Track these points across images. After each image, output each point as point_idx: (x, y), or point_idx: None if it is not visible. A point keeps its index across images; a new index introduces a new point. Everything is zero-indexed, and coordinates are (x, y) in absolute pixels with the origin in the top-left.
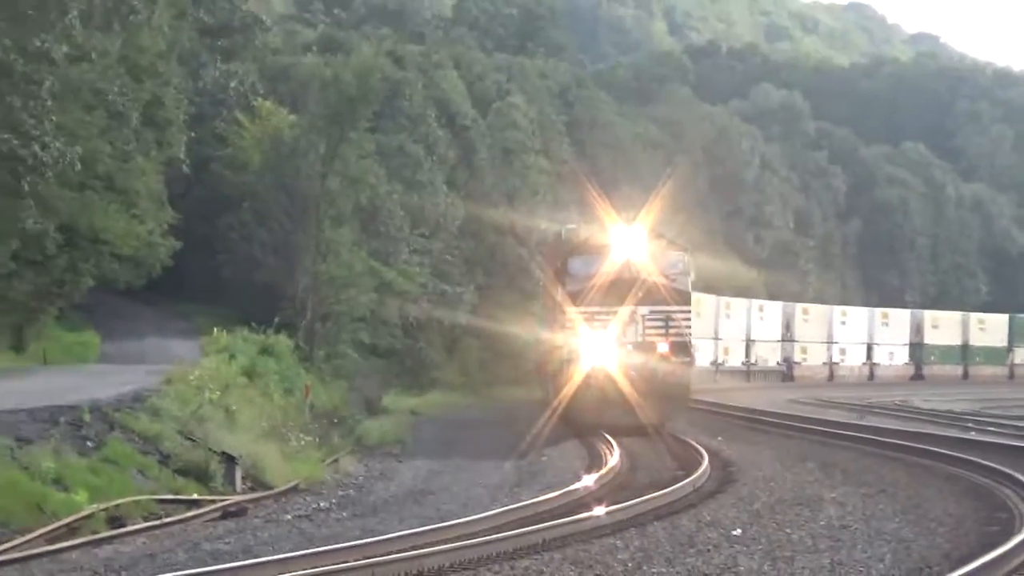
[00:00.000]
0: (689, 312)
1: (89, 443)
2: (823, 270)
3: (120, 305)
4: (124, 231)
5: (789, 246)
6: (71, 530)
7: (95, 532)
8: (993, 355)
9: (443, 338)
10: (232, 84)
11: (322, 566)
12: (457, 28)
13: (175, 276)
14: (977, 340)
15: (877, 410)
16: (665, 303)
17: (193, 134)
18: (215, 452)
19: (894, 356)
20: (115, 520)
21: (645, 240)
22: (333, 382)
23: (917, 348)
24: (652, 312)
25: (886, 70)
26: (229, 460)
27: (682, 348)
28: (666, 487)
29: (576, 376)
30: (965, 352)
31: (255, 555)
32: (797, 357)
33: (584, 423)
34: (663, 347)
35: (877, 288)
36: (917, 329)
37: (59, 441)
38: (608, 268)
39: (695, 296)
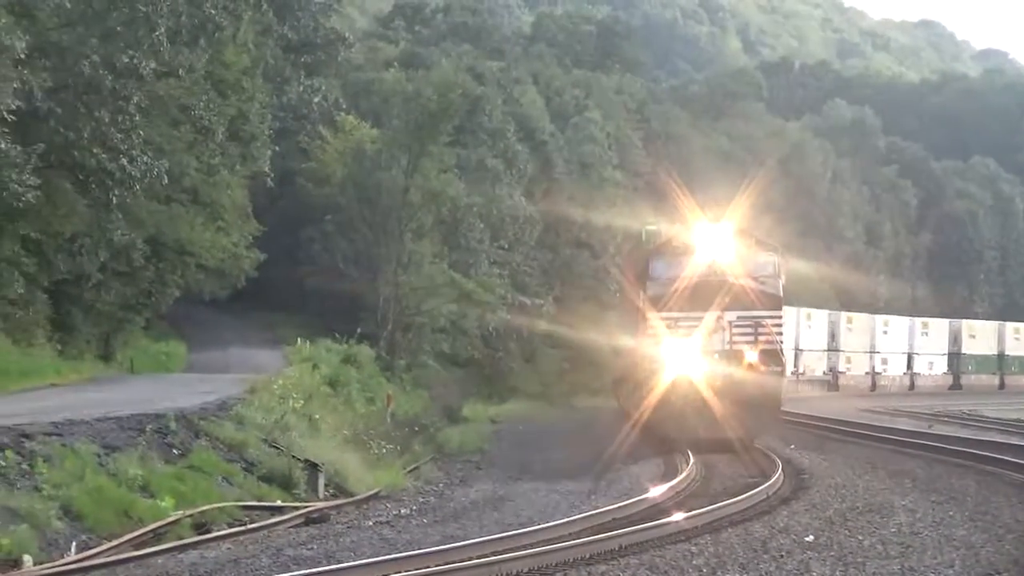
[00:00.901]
0: (780, 318)
1: (175, 451)
2: (893, 281)
3: (205, 315)
4: (210, 243)
5: (860, 258)
6: (157, 536)
7: (181, 538)
8: None
9: (521, 348)
10: (315, 99)
11: (403, 571)
12: (536, 45)
13: (259, 287)
14: (1012, 349)
15: (944, 419)
16: (754, 308)
17: (277, 148)
18: (298, 460)
19: (933, 366)
20: (200, 526)
21: (732, 240)
22: (414, 391)
23: (955, 358)
24: (740, 318)
25: (955, 86)
26: (312, 467)
27: (773, 357)
28: (740, 494)
29: (657, 387)
30: (1001, 361)
31: (337, 561)
32: (841, 367)
33: (666, 438)
34: (752, 356)
35: (947, 299)
36: (955, 339)
37: (146, 449)
38: (692, 270)
39: None
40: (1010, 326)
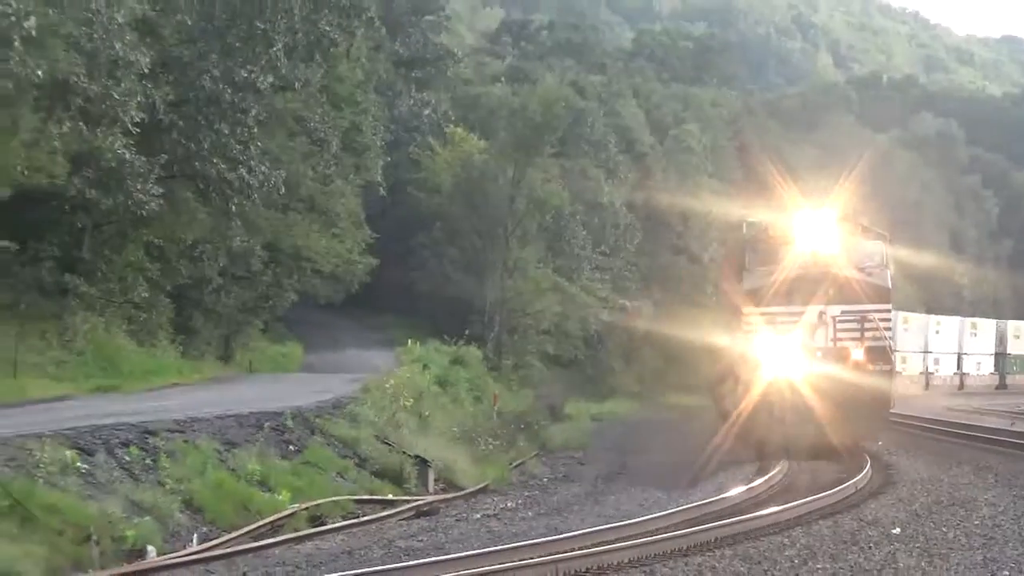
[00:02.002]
0: (889, 312)
1: (291, 447)
2: (976, 286)
3: (320, 318)
4: (325, 249)
5: (943, 264)
6: (274, 528)
7: (297, 530)
8: None
9: (622, 349)
10: (425, 112)
11: (509, 562)
12: (636, 60)
13: (372, 291)
14: (1015, 348)
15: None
16: (859, 302)
17: (389, 159)
18: (409, 455)
19: (981, 366)
20: (315, 519)
21: (835, 227)
22: (520, 390)
23: (1001, 358)
24: (844, 312)
25: None
26: (422, 463)
27: (880, 354)
28: (830, 488)
29: (754, 388)
30: (1002, 361)
31: (446, 552)
32: (898, 366)
33: (764, 442)
34: (858, 353)
35: None
36: (1001, 339)
37: (264, 445)
38: (792, 261)
39: None
40: (1011, 324)
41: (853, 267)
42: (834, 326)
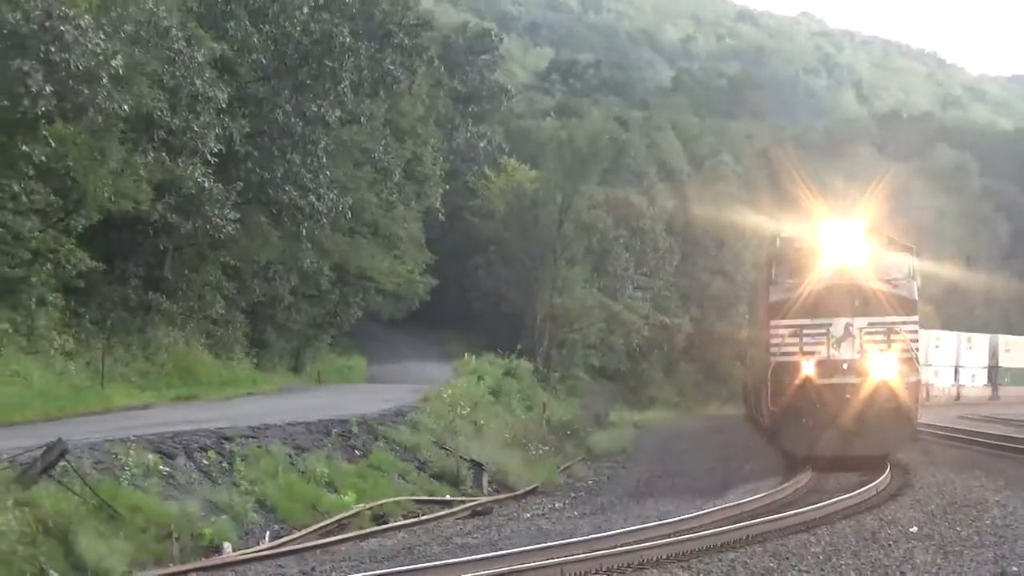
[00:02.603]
0: (916, 324)
1: (357, 451)
2: (989, 304)
3: (384, 333)
4: (388, 270)
5: (959, 283)
6: (341, 526)
7: (361, 528)
8: (1021, 376)
9: (662, 362)
10: (481, 144)
11: (556, 558)
12: (675, 96)
13: (431, 308)
14: (1005, 361)
15: None
16: (886, 313)
17: (447, 187)
18: (465, 460)
19: (975, 378)
20: (379, 518)
21: (862, 239)
22: (567, 399)
23: (994, 370)
24: (871, 324)
25: None
26: (477, 466)
27: (908, 367)
28: (853, 491)
29: (780, 401)
30: (995, 373)
31: (498, 548)
32: None
33: (790, 455)
34: (883, 365)
35: None
36: (993, 353)
37: (331, 450)
38: (818, 273)
39: None
40: (1002, 338)
41: (880, 279)
42: (861, 338)
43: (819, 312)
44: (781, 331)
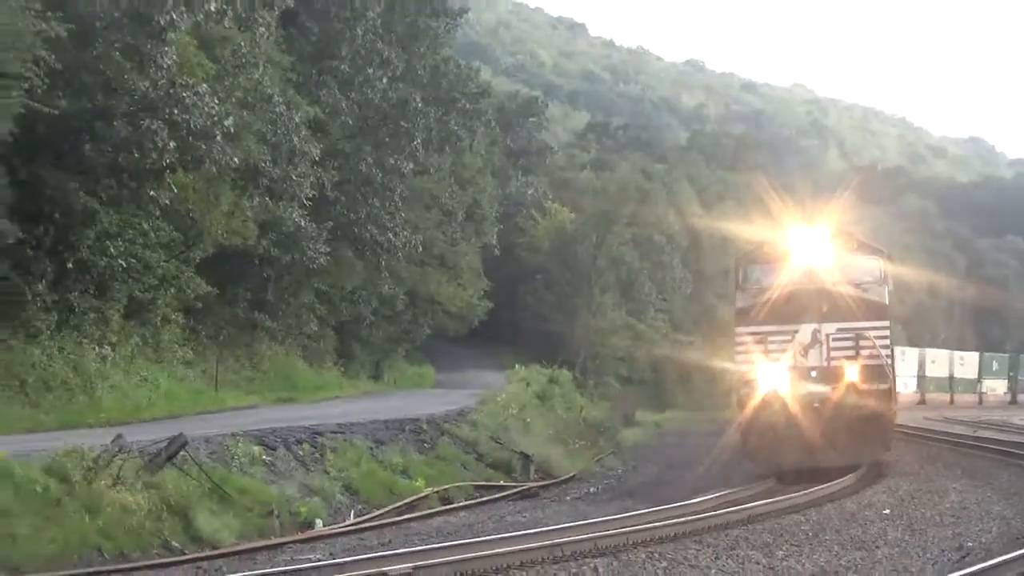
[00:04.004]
0: (886, 329)
1: (426, 444)
2: (947, 326)
3: (448, 348)
4: (452, 295)
5: (923, 307)
6: (412, 506)
7: (430, 508)
8: (968, 385)
9: (678, 373)
10: (529, 191)
11: (591, 533)
12: (689, 153)
13: (488, 327)
14: (959, 373)
15: (986, 426)
16: (855, 319)
17: (501, 226)
18: (516, 452)
19: (907, 385)
20: (444, 500)
21: (830, 242)
22: (600, 402)
23: (922, 379)
24: (840, 330)
25: (993, 185)
26: (525, 457)
27: (877, 373)
28: (835, 480)
29: (746, 410)
30: (951, 382)
31: (544, 525)
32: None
33: (759, 465)
34: (853, 373)
35: (985, 338)
36: (921, 364)
37: (405, 443)
38: (785, 278)
39: None
40: (957, 355)
41: (849, 283)
42: (829, 344)
43: (785, 318)
44: (746, 338)
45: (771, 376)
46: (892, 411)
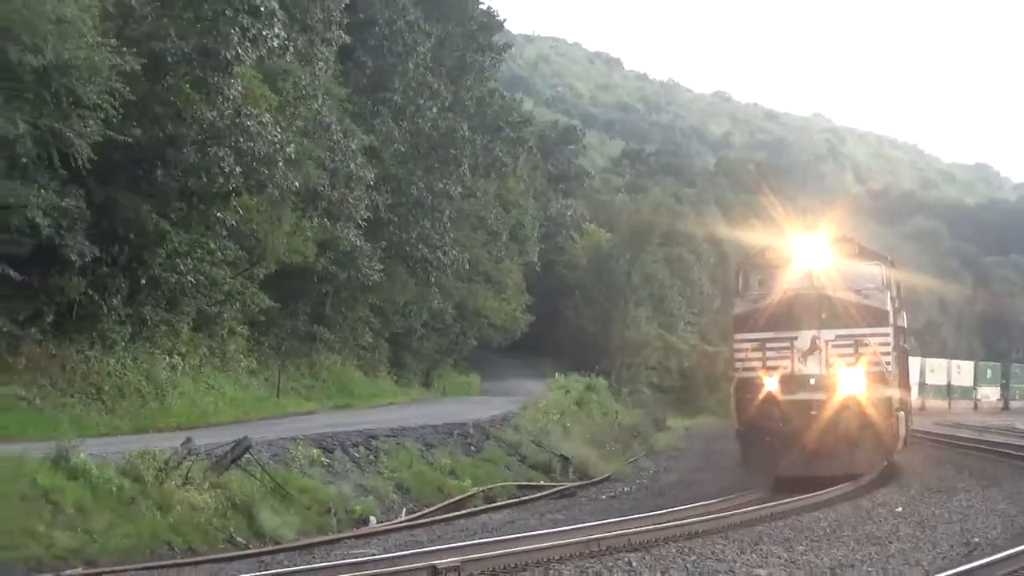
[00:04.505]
0: (888, 335)
1: (472, 448)
2: (957, 337)
3: (493, 358)
4: (496, 309)
5: (934, 321)
6: (459, 505)
7: (476, 506)
8: (965, 392)
9: (706, 380)
10: (568, 213)
11: (625, 529)
12: (716, 177)
13: (530, 338)
14: (956, 381)
15: (993, 431)
16: (855, 325)
17: (543, 245)
18: (555, 454)
19: (910, 392)
20: (489, 498)
21: (830, 248)
22: (633, 408)
23: (922, 386)
24: (839, 337)
25: (998, 207)
26: (564, 459)
27: (877, 380)
28: (851, 480)
29: (743, 419)
30: (949, 390)
31: (581, 522)
32: None
33: (756, 474)
34: (852, 380)
35: (993, 349)
36: (922, 372)
37: (453, 446)
38: (784, 285)
39: None
40: (955, 363)
41: (849, 289)
42: (828, 351)
43: (784, 325)
44: (744, 345)
45: (769, 383)
46: (893, 420)
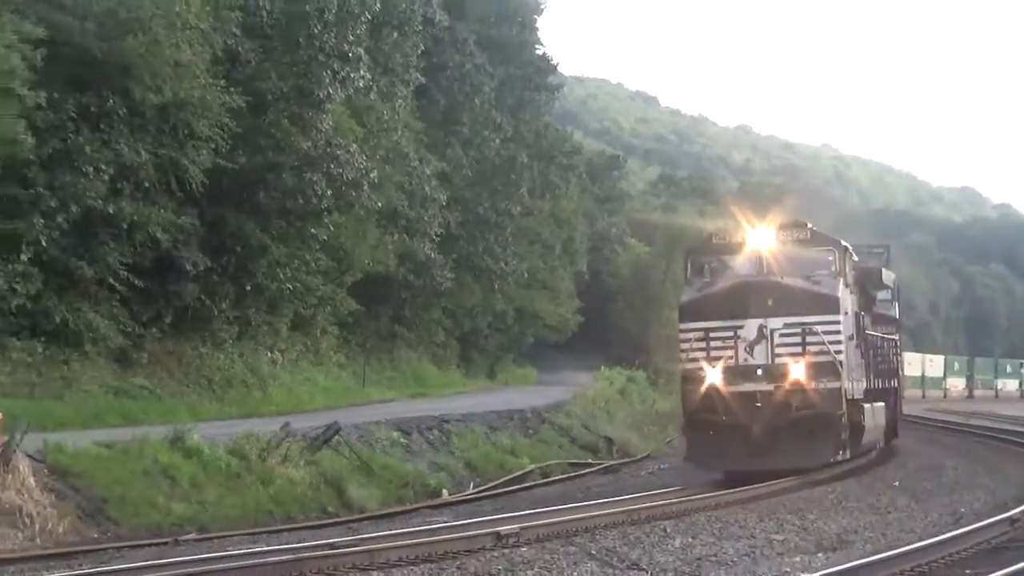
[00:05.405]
0: (837, 323)
1: (530, 430)
2: (945, 336)
3: (548, 353)
4: (551, 312)
5: (925, 323)
6: (519, 479)
7: (533, 481)
8: (935, 382)
9: None
10: (612, 229)
11: (661, 500)
12: (738, 199)
13: (580, 337)
14: (928, 372)
15: (976, 416)
16: (803, 313)
17: (590, 257)
18: (601, 436)
19: None
20: (545, 474)
21: (780, 232)
22: (668, 397)
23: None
24: (787, 325)
25: (982, 224)
26: (608, 441)
27: (826, 370)
28: (854, 459)
29: (686, 412)
30: (923, 380)
31: (624, 493)
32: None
33: (702, 468)
34: (798, 370)
35: (975, 346)
36: (900, 365)
37: (513, 429)
38: (731, 272)
39: None
40: (927, 357)
41: (798, 275)
42: (774, 340)
43: (730, 313)
44: (689, 335)
45: (712, 375)
46: (842, 411)
